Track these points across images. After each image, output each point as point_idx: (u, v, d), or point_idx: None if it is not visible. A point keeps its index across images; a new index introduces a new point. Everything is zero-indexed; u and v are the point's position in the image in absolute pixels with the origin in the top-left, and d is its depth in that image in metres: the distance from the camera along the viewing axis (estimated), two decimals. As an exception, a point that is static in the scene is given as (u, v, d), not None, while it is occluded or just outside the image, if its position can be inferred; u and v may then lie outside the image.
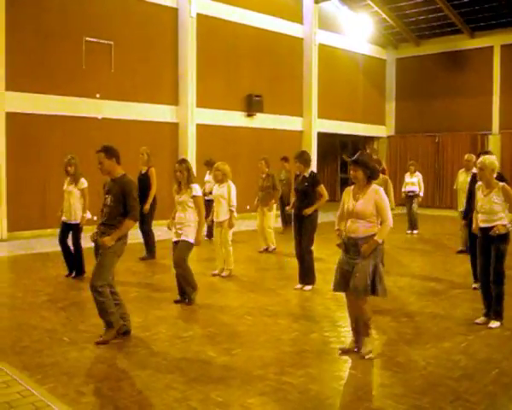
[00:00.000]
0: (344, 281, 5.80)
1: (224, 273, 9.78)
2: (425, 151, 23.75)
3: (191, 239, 7.75)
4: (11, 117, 13.74)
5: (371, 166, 5.79)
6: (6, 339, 6.38)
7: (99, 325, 6.84)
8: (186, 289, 7.85)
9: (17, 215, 13.89)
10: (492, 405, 4.76)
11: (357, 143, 26.37)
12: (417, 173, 15.57)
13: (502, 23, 21.27)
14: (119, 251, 6.29)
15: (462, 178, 11.20)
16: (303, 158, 8.71)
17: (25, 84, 14.03)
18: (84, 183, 9.43)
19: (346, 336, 6.66)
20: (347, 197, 5.94)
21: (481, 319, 6.97)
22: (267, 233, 12.18)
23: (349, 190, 5.99)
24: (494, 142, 21.97)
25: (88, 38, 15.10)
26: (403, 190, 15.71)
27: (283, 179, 14.61)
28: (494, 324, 6.83)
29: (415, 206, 15.30)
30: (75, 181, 9.40)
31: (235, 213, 9.73)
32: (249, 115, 19.14)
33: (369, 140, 25.77)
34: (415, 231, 15.33)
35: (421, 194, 15.53)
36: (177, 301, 7.89)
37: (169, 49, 17.12)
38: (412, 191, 15.34)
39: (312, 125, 21.17)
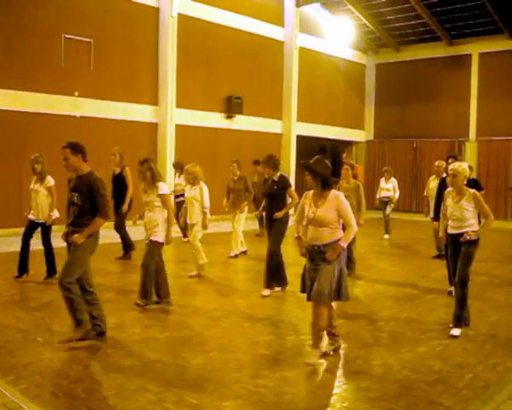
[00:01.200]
0: (309, 286, 5.77)
1: (193, 273, 9.75)
2: (403, 156, 23.96)
3: (160, 239, 7.65)
4: (-13, 113, 13.57)
5: (322, 174, 5.67)
6: (-22, 339, 6.29)
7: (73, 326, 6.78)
8: (147, 289, 7.65)
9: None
10: (466, 409, 4.80)
11: (336, 147, 26.43)
12: (392, 179, 15.50)
13: (480, 31, 21.61)
14: (91, 247, 6.16)
15: (433, 185, 11.30)
16: (271, 162, 8.65)
17: (2, 81, 13.84)
18: (50, 181, 9.15)
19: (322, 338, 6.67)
20: (307, 203, 5.83)
21: (455, 330, 6.80)
22: (236, 236, 11.99)
23: (308, 195, 5.87)
24: (471, 149, 22.26)
25: (67, 36, 14.96)
26: (377, 196, 15.69)
27: (256, 182, 14.53)
28: (456, 331, 6.74)
29: (388, 209, 15.25)
30: (41, 179, 9.16)
31: (209, 215, 9.69)
32: (229, 117, 19.13)
33: (348, 144, 25.91)
34: (386, 236, 15.27)
35: (397, 195, 15.47)
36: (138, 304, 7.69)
37: (149, 48, 17.04)
38: (387, 197, 15.32)
39: (292, 128, 21.25)
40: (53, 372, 5.36)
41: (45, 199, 9.14)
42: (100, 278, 9.06)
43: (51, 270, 9.27)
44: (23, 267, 9.26)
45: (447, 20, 21.64)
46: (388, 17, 22.32)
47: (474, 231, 6.72)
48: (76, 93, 15.24)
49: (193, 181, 9.59)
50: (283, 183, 8.66)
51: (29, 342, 6.22)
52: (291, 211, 8.79)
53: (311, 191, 5.85)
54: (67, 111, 15.11)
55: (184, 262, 10.59)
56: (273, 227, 8.61)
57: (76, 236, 6.00)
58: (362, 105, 25.32)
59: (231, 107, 18.96)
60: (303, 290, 5.90)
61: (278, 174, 8.70)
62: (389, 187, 15.36)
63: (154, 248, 7.65)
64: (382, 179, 15.66)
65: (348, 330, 6.95)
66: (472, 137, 22.36)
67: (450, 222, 6.96)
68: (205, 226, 9.66)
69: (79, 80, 15.29)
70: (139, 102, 16.78)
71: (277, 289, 8.74)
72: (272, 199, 8.65)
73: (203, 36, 18.24)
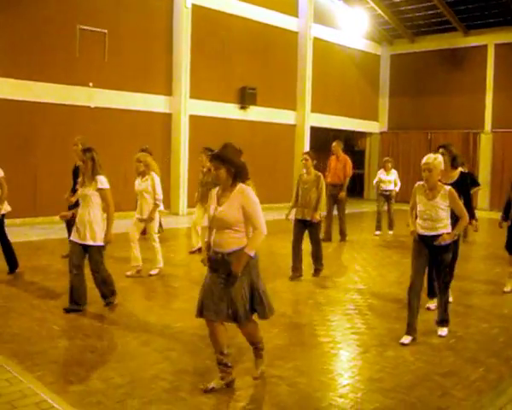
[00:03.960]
0: (215, 306, 4.72)
1: (152, 271, 9.08)
2: (417, 148, 23.79)
3: (100, 242, 6.95)
4: (3, 104, 13.64)
5: (236, 163, 4.79)
6: (-6, 326, 6.37)
7: (90, 313, 6.85)
8: (106, 293, 7.17)
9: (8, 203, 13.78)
10: (479, 401, 4.79)
11: (350, 138, 26.42)
12: (393, 171, 14.50)
13: (496, 22, 21.35)
14: None
15: None
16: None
17: (17, 71, 13.91)
18: None
19: (336, 329, 6.70)
20: (212, 202, 4.92)
21: (406, 338, 6.15)
22: (196, 230, 10.96)
23: (213, 192, 4.97)
24: (486, 140, 22.07)
25: (82, 26, 14.99)
26: (374, 181, 14.76)
27: None
28: (443, 331, 6.47)
29: (392, 205, 14.39)
30: None
31: (162, 207, 9.17)
32: (243, 108, 19.10)
33: (361, 135, 25.85)
34: (390, 232, 14.40)
35: (397, 189, 14.57)
36: (68, 310, 6.92)
37: (163, 39, 17.04)
38: (389, 190, 14.34)
39: (306, 119, 21.18)
40: (68, 360, 5.42)
41: None
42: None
43: (12, 264, 8.78)
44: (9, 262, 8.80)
45: (463, 11, 21.43)
46: (403, 7, 22.13)
47: (448, 234, 6.15)
48: (90, 84, 15.29)
49: (143, 171, 8.93)
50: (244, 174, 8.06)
51: (44, 329, 6.28)
52: None
53: (217, 188, 4.94)
54: (82, 102, 15.16)
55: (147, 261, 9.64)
56: None
57: None
58: (376, 96, 25.19)
59: (245, 97, 18.93)
60: (199, 305, 4.83)
61: None
62: (391, 179, 14.35)
63: (97, 253, 6.98)
64: (381, 170, 14.60)
65: (362, 321, 6.97)
66: (487, 128, 22.17)
67: (420, 221, 6.25)
68: (150, 219, 8.93)
69: (94, 71, 15.33)
70: (153, 93, 16.80)
71: None
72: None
73: (217, 26, 18.20)
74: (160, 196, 8.94)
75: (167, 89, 17.19)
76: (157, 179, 8.98)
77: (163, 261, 9.27)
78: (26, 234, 12.54)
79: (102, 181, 6.93)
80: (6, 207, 8.80)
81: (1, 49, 13.49)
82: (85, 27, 15.06)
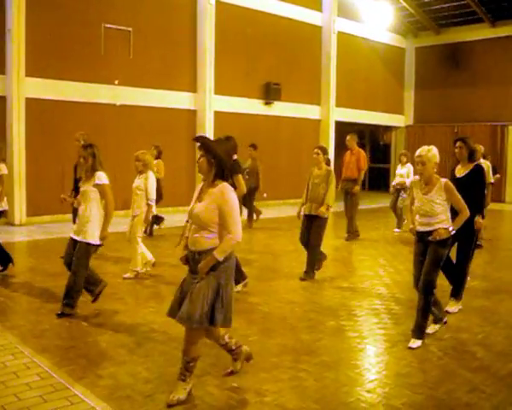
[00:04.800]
0: (175, 303, 4.61)
1: (127, 275, 8.61)
2: (443, 141, 23.45)
3: (92, 240, 6.67)
4: (31, 103, 13.83)
5: (221, 157, 4.51)
6: (25, 322, 6.46)
7: (116, 311, 6.92)
8: (73, 296, 6.69)
9: (36, 200, 14.02)
10: (510, 397, 4.75)
11: (375, 132, 26.27)
12: (408, 165, 13.83)
13: (524, 12, 21.00)
14: None
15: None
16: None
17: (44, 71, 14.10)
18: (2, 168, 8.55)
19: (363, 324, 6.68)
20: (194, 195, 4.73)
21: (414, 342, 5.87)
22: None
23: (199, 186, 4.74)
24: (514, 133, 21.75)
25: (107, 25, 15.12)
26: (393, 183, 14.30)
27: (247, 168, 13.65)
28: (415, 343, 5.83)
29: (400, 200, 13.79)
30: None
31: (154, 208, 8.86)
32: (267, 103, 19.10)
33: (387, 129, 25.66)
34: (397, 230, 13.91)
35: (408, 182, 13.41)
36: (60, 315, 6.66)
37: (187, 35, 17.10)
38: (400, 184, 13.78)
39: (330, 113, 21.09)
40: (97, 355, 5.48)
41: None
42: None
43: (3, 262, 8.67)
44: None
45: (489, 1, 21.11)
46: (428, -1, 21.92)
47: (445, 229, 5.76)
48: (116, 82, 15.42)
49: (142, 169, 8.65)
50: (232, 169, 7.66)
51: (74, 325, 6.37)
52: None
53: (203, 183, 4.69)
54: (107, 100, 15.30)
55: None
56: None
57: None
58: (401, 89, 24.97)
59: (270, 93, 18.92)
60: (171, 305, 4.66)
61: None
62: (403, 172, 13.82)
63: (84, 251, 6.67)
64: (399, 165, 14.23)
65: (389, 316, 6.93)
66: (515, 120, 21.86)
67: (418, 218, 5.96)
68: (146, 220, 8.66)
69: (119, 69, 15.46)
70: (178, 90, 16.89)
71: (239, 288, 7.70)
72: None
73: (241, 22, 18.21)
74: (152, 195, 8.59)
75: (192, 85, 17.26)
76: (152, 179, 8.67)
77: (141, 265, 8.73)
78: (54, 231, 12.71)
79: (101, 177, 6.72)
80: (3, 206, 8.75)
81: (28, 49, 13.65)
82: (110, 26, 15.18)
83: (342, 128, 21.97)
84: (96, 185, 6.68)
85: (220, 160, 4.47)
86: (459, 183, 6.67)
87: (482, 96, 22.41)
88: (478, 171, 7.09)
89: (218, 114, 17.42)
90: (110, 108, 15.36)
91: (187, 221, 4.78)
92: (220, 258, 4.40)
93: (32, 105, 13.87)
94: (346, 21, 21.61)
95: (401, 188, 13.79)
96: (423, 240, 5.93)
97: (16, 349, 5.53)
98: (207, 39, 17.04)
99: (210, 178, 4.52)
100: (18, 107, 13.59)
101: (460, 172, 7.20)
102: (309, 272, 8.76)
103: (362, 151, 12.94)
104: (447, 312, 6.90)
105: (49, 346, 5.67)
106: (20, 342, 5.75)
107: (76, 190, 8.47)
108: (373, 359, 5.65)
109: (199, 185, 4.73)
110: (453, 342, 6.00)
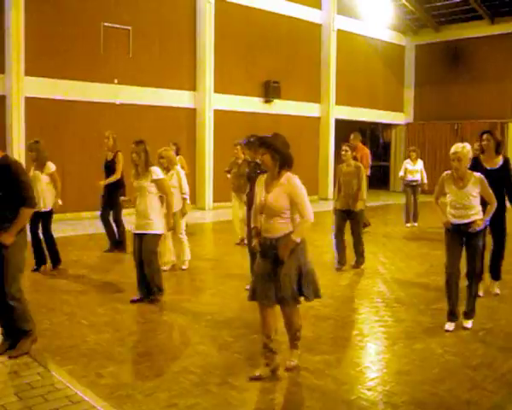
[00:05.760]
0: (265, 290, 4.95)
1: (183, 266, 9.15)
2: (444, 139, 23.52)
3: (157, 230, 7.12)
4: (30, 102, 13.82)
5: (283, 152, 4.97)
6: (26, 321, 6.45)
7: (117, 309, 6.92)
8: (153, 289, 7.19)
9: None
10: (511, 395, 4.74)
11: (375, 130, 26.26)
12: (419, 161, 14.23)
13: (523, 9, 20.97)
14: (24, 245, 5.48)
15: None
16: (254, 144, 7.84)
17: (43, 70, 14.09)
18: (51, 167, 8.69)
19: (364, 322, 6.67)
20: (259, 188, 5.11)
21: (449, 325, 6.33)
22: (241, 223, 10.95)
23: (261, 179, 5.14)
24: (514, 130, 21.74)
25: (106, 24, 15.11)
26: (400, 174, 14.35)
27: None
28: (468, 323, 6.37)
29: (418, 197, 14.14)
30: (41, 166, 8.63)
31: (188, 201, 9.11)
32: (267, 101, 19.08)
33: (387, 127, 25.65)
34: (415, 224, 14.17)
35: (426, 181, 14.18)
36: (133, 301, 7.17)
37: (187, 34, 17.08)
38: (415, 180, 14.05)
39: (330, 111, 21.07)
40: (98, 354, 5.47)
41: (47, 186, 8.66)
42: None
43: (55, 260, 8.95)
44: (40, 259, 8.92)
45: (489, -2, 21.13)
46: (428, -4, 21.90)
47: (481, 219, 6.20)
48: (115, 80, 15.41)
49: (167, 166, 8.82)
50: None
51: (74, 324, 6.37)
52: None
53: (265, 175, 5.12)
54: (107, 98, 15.29)
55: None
56: None
57: (4, 236, 5.17)
58: (401, 87, 24.94)
59: (269, 91, 18.89)
60: (251, 289, 5.10)
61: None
62: (417, 169, 14.08)
63: (152, 242, 7.11)
64: (408, 161, 14.31)
65: (390, 314, 6.93)
66: (515, 117, 21.84)
67: (452, 210, 6.26)
68: (183, 213, 8.99)
69: (118, 68, 15.45)
70: (178, 88, 16.87)
71: None
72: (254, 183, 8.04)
73: (240, 20, 18.19)
74: (186, 189, 8.93)
75: (191, 84, 17.25)
76: (182, 173, 9.02)
77: (190, 255, 9.30)
78: (55, 230, 12.69)
79: (157, 172, 7.14)
80: (59, 202, 8.97)
81: (27, 48, 13.64)
82: (109, 24, 15.17)
83: (342, 126, 21.99)
84: (154, 180, 7.06)
85: (282, 154, 4.94)
86: (491, 174, 6.89)
87: (482, 93, 22.40)
88: (508, 163, 7.43)
89: (217, 113, 17.41)
90: (110, 107, 15.34)
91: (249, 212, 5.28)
92: (298, 240, 4.84)
93: (32, 104, 13.85)
94: (345, 19, 21.58)
95: (416, 185, 14.12)
96: (459, 231, 6.26)
97: (17, 349, 5.52)
98: (207, 37, 17.01)
99: (275, 170, 4.95)
100: (17, 106, 13.58)
101: (490, 164, 7.36)
102: (360, 261, 9.44)
103: (365, 149, 12.97)
104: (496, 294, 7.69)
105: (49, 345, 5.66)
106: (20, 341, 5.74)
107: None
108: (374, 357, 5.64)
109: (261, 178, 5.12)
110: (454, 340, 5.99)
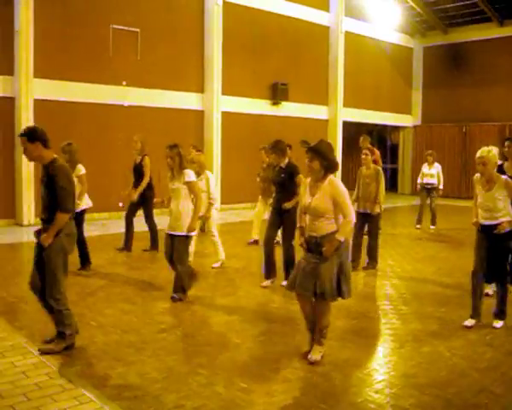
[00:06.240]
0: (305, 282, 5.27)
1: (215, 264, 9.56)
2: (452, 141, 23.48)
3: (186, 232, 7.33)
4: (39, 104, 13.88)
5: (329, 157, 5.28)
6: (34, 323, 6.49)
7: (125, 310, 6.95)
8: (178, 288, 7.40)
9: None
10: (518, 397, 4.73)
11: (383, 132, 26.20)
12: (436, 165, 14.35)
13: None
14: (67, 248, 5.61)
15: None
16: (278, 148, 8.14)
17: (52, 72, 14.15)
18: (81, 169, 8.88)
19: (371, 324, 6.66)
20: (304, 191, 5.54)
21: (469, 321, 6.53)
22: (257, 223, 11.65)
23: (306, 182, 5.57)
24: (523, 132, 21.64)
25: (114, 26, 15.17)
26: (419, 181, 14.51)
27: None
28: (499, 323, 6.51)
29: (434, 200, 14.26)
30: (72, 169, 8.46)
31: (216, 205, 9.36)
32: (275, 103, 19.09)
33: (394, 129, 25.60)
34: (432, 226, 14.24)
35: (441, 187, 14.40)
36: (173, 298, 7.37)
37: (195, 36, 17.12)
38: (431, 184, 14.20)
39: (338, 113, 21.07)
40: (106, 355, 5.50)
41: (78, 188, 8.47)
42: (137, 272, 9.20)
43: (84, 260, 9.08)
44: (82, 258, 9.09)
45: (497, 0, 21.03)
46: (436, -1, 21.85)
47: (508, 222, 6.28)
48: (124, 82, 15.47)
49: (198, 171, 9.04)
50: (291, 170, 8.10)
51: (83, 325, 6.39)
52: None
53: (309, 178, 5.48)
54: (116, 100, 15.35)
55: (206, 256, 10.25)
56: (284, 219, 8.10)
57: (43, 237, 5.45)
58: (409, 89, 24.91)
59: (277, 93, 18.91)
60: (292, 280, 5.48)
61: (286, 161, 8.18)
62: (433, 172, 14.23)
63: (183, 244, 7.29)
64: (425, 164, 14.50)
65: (397, 317, 6.92)
66: (524, 120, 21.76)
67: (481, 212, 6.47)
68: (207, 218, 9.30)
69: (127, 70, 15.50)
70: (186, 90, 16.91)
71: (284, 283, 7.79)
72: (281, 187, 8.16)
73: (248, 23, 18.22)
74: (214, 195, 9.35)
75: (199, 86, 17.29)
76: (212, 178, 9.36)
77: (224, 254, 9.62)
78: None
79: (190, 174, 7.34)
80: (88, 202, 9.15)
81: (36, 50, 13.72)
82: (118, 27, 15.23)
83: (350, 128, 21.98)
84: (187, 183, 7.26)
85: (330, 160, 5.28)
86: None
87: (490, 95, 22.32)
88: None
89: (225, 115, 17.44)
90: (118, 109, 15.40)
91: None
92: (342, 239, 5.20)
93: (41, 106, 13.90)
94: (353, 21, 21.58)
95: (432, 188, 14.27)
96: (487, 232, 6.40)
97: (25, 349, 5.57)
98: (215, 40, 17.06)
99: (320, 175, 5.29)
100: (26, 108, 13.64)
101: (510, 170, 7.54)
102: (372, 262, 9.58)
103: (376, 151, 13.10)
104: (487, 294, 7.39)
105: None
106: (28, 342, 5.79)
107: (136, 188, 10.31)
108: (381, 359, 5.65)
109: (306, 181, 5.55)
110: (461, 343, 5.98)
